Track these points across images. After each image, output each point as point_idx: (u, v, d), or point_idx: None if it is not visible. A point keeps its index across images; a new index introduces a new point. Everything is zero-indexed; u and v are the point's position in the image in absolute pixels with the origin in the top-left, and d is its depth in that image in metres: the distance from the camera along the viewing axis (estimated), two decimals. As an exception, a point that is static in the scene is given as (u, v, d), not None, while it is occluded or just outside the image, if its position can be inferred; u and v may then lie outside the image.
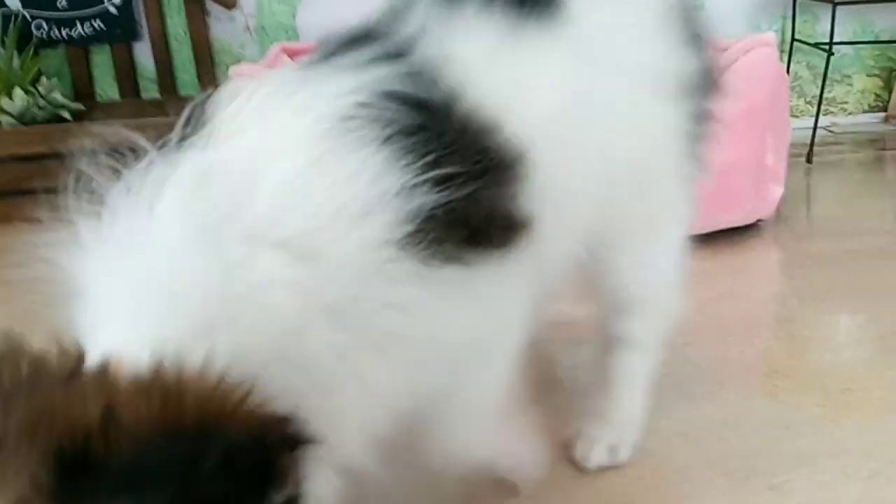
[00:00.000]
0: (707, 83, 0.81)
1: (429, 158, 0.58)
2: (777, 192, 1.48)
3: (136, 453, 0.43)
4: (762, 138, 1.43)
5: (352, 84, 0.60)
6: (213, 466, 0.43)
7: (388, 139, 0.58)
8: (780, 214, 1.55)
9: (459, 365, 0.65)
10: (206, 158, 0.57)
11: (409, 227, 0.57)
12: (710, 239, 1.37)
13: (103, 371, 0.48)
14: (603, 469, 0.87)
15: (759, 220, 1.49)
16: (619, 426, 0.88)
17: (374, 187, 0.57)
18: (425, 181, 0.58)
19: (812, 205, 1.74)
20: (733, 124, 1.37)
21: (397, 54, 0.65)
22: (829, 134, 2.20)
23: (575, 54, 0.71)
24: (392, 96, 0.60)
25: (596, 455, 0.87)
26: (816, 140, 1.96)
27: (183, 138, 0.58)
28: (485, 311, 0.65)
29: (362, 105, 0.59)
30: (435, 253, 0.58)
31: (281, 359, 0.53)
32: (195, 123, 0.59)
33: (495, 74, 0.66)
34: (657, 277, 0.86)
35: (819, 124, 1.97)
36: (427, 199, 0.58)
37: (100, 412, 0.45)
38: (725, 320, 1.19)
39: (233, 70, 1.57)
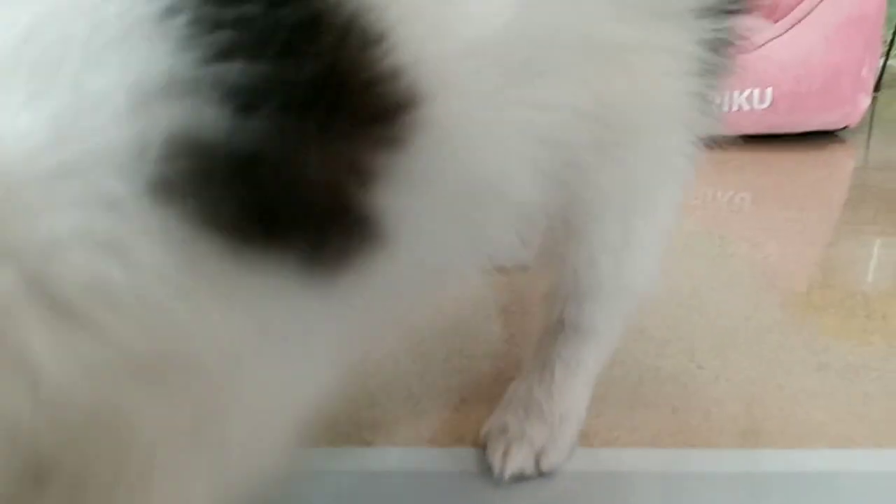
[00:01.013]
0: None
1: (224, 39, 0.30)
2: (866, 101, 1.63)
3: None
4: (864, 48, 1.56)
5: None
6: None
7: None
8: (862, 125, 1.69)
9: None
10: None
11: (161, 158, 0.29)
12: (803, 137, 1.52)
13: None
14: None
15: (846, 127, 1.64)
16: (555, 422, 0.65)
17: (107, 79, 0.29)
18: (206, 72, 0.30)
19: (875, 128, 1.88)
20: (843, 29, 1.52)
21: None
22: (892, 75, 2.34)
23: None
24: None
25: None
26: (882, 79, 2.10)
27: None
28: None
29: None
30: (201, 224, 0.30)
31: None
32: None
33: None
34: (636, 257, 0.60)
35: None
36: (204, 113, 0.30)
37: None
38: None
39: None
